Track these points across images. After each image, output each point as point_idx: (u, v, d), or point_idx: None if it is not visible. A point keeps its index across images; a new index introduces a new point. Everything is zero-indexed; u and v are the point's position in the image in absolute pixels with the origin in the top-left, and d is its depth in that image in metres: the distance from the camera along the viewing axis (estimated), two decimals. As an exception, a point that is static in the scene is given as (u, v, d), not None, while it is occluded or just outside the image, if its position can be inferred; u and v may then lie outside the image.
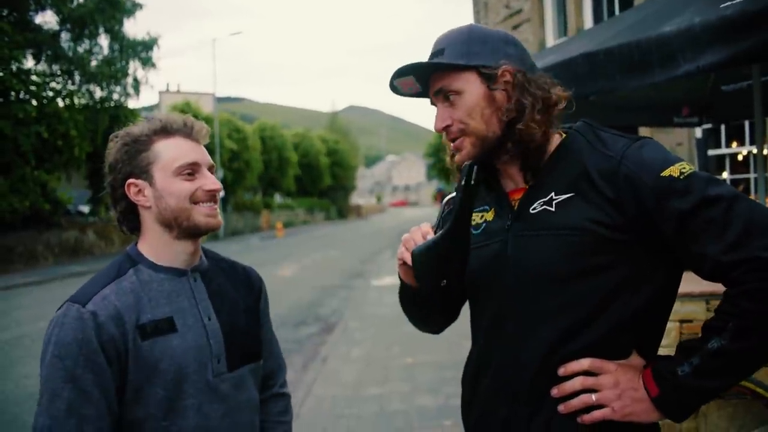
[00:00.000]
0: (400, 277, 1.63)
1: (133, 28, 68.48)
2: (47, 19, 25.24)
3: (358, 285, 13.58)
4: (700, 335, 1.36)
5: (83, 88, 22.04)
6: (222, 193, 1.61)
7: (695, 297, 3.30)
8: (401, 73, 1.52)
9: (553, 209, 1.43)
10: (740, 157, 8.79)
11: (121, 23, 22.82)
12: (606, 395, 1.36)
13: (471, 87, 1.46)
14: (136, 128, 1.58)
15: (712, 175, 1.38)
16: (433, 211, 52.91)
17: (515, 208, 1.50)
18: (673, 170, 1.34)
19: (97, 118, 21.84)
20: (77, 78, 21.74)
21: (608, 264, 1.37)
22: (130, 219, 1.60)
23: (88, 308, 1.44)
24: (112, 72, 22.45)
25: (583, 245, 1.37)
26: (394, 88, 1.58)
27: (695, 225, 1.31)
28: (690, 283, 2.01)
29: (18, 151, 18.07)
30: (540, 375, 1.40)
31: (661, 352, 1.48)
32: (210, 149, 1.63)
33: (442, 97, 1.50)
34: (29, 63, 20.30)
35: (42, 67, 21.06)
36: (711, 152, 8.99)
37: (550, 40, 11.95)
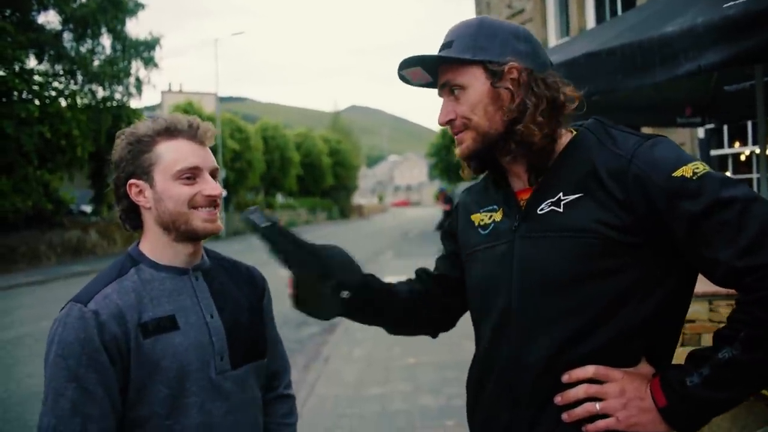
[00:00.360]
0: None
1: (136, 28, 68.73)
2: (50, 19, 25.34)
3: (360, 285, 13.50)
4: (711, 343, 1.30)
5: (86, 88, 22.04)
6: (224, 194, 1.59)
7: (698, 297, 3.30)
8: (408, 63, 1.49)
9: (561, 210, 1.38)
10: (743, 158, 8.77)
11: (123, 23, 22.83)
12: (611, 404, 1.31)
13: (476, 82, 1.44)
14: (142, 127, 1.57)
15: (727, 176, 1.32)
16: (434, 212, 52.86)
17: (523, 208, 1.46)
18: (686, 170, 1.28)
19: (100, 117, 21.84)
20: (80, 78, 21.76)
21: (617, 267, 1.32)
22: (132, 217, 1.60)
23: (90, 307, 1.45)
24: (115, 72, 22.46)
25: (592, 248, 1.32)
26: (404, 78, 1.55)
27: (708, 228, 1.25)
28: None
29: (21, 151, 18.08)
30: (542, 379, 1.36)
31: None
32: (212, 149, 1.62)
33: (448, 90, 1.48)
34: (32, 63, 20.32)
35: (44, 67, 21.08)
36: (713, 152, 8.97)
37: (553, 40, 11.95)
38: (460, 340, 7.20)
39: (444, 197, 32.81)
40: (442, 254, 1.80)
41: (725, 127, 8.70)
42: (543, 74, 1.45)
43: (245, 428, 1.60)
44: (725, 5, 2.65)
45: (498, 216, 1.53)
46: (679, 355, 1.42)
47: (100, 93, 22.50)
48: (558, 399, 1.35)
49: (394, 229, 36.92)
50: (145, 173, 1.53)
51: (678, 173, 1.29)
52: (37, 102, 18.93)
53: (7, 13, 19.66)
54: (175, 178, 1.51)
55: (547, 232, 1.39)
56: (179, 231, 1.53)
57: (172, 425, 1.48)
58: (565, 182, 1.41)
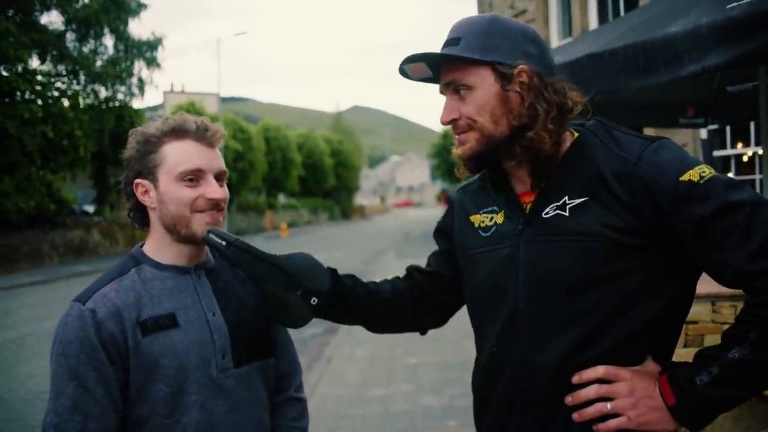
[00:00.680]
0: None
1: (138, 28, 68.81)
2: (52, 19, 25.40)
3: (362, 285, 13.50)
4: (719, 342, 1.32)
5: (88, 88, 22.11)
6: (228, 197, 1.59)
7: (701, 298, 3.30)
8: (413, 59, 1.46)
9: (566, 214, 1.38)
10: (745, 158, 8.76)
11: (126, 23, 22.87)
12: (621, 404, 1.32)
13: (484, 83, 1.41)
14: (151, 127, 1.56)
15: (733, 179, 1.33)
16: (436, 212, 52.88)
17: (527, 211, 1.45)
18: (693, 174, 1.29)
19: (102, 118, 21.90)
20: (82, 78, 21.82)
21: (624, 271, 1.32)
22: (140, 216, 1.61)
23: (88, 306, 1.45)
24: (117, 72, 22.51)
25: (598, 252, 1.33)
26: (404, 72, 1.52)
27: (716, 231, 1.26)
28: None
29: (23, 151, 18.12)
30: (554, 382, 1.36)
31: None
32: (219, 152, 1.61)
33: (453, 89, 1.45)
34: (34, 63, 20.40)
35: (47, 67, 21.15)
36: (716, 153, 8.96)
37: (555, 41, 11.94)
38: (462, 340, 7.20)
39: (446, 198, 32.81)
40: (435, 251, 1.80)
41: (728, 128, 8.68)
42: (551, 78, 1.43)
43: (248, 427, 1.59)
44: (728, 6, 2.64)
45: (499, 218, 1.51)
46: (682, 356, 1.43)
47: (103, 93, 22.58)
48: (569, 399, 1.36)
49: (396, 230, 36.93)
50: (151, 173, 1.53)
51: (685, 177, 1.29)
52: (39, 102, 18.96)
53: (10, 13, 19.70)
54: (178, 180, 1.51)
55: (554, 236, 1.39)
56: (180, 234, 1.53)
57: (173, 424, 1.48)
58: (569, 186, 1.40)
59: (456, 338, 7.22)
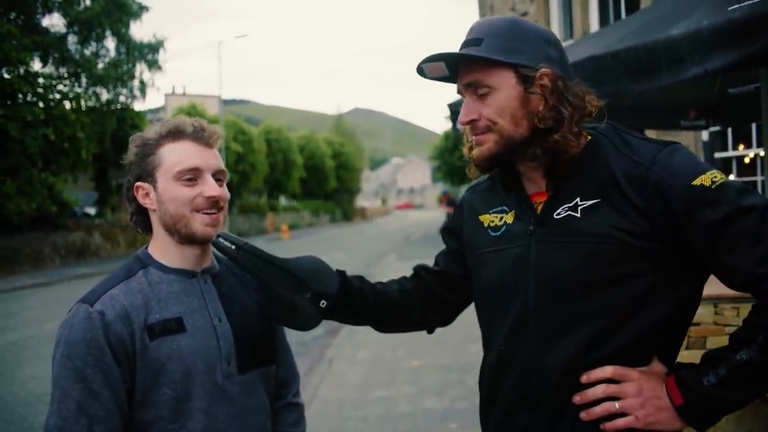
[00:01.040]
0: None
1: (140, 30, 68.84)
2: (54, 21, 25.45)
3: (363, 287, 13.48)
4: (726, 344, 1.34)
5: (90, 91, 22.13)
6: (228, 197, 1.60)
7: (703, 300, 3.27)
8: (434, 59, 1.46)
9: (578, 215, 1.40)
10: (747, 160, 8.76)
11: (127, 26, 22.90)
12: (629, 403, 1.34)
13: (505, 85, 1.41)
14: (150, 131, 1.58)
15: (744, 185, 1.35)
16: (438, 214, 52.86)
17: (538, 212, 1.46)
18: (705, 179, 1.31)
19: (104, 120, 21.94)
20: (84, 80, 21.83)
21: (634, 273, 1.34)
22: (142, 220, 1.61)
23: (96, 308, 1.45)
24: (119, 74, 22.53)
25: (609, 254, 1.34)
26: (421, 71, 1.52)
27: (727, 235, 1.28)
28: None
29: (25, 153, 18.15)
30: (563, 381, 1.38)
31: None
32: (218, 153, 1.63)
33: (473, 89, 1.45)
34: (36, 66, 20.40)
35: (49, 69, 21.17)
36: (718, 155, 8.96)
37: (556, 43, 11.93)
38: (465, 342, 7.20)
39: (447, 200, 32.81)
40: (443, 250, 1.81)
41: (729, 130, 8.69)
42: (572, 82, 1.45)
43: None
44: (730, 8, 2.64)
45: (509, 218, 1.53)
46: (684, 358, 1.45)
47: (105, 95, 22.60)
48: (577, 398, 1.37)
49: (397, 232, 36.93)
50: (150, 175, 1.54)
51: (697, 182, 1.31)
52: (41, 104, 19.00)
53: (12, 16, 19.73)
54: (176, 179, 1.51)
55: (565, 237, 1.40)
56: (180, 234, 1.53)
57: (177, 429, 1.47)
58: (582, 188, 1.42)
59: (458, 340, 7.22)
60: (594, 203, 1.39)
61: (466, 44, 1.45)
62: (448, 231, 1.79)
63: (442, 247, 1.84)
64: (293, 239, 31.36)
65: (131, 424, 1.48)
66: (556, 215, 1.43)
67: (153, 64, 24.31)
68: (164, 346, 1.47)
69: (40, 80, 19.55)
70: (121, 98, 23.37)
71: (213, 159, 1.56)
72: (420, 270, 1.81)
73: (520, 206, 1.51)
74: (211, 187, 1.52)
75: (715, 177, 1.32)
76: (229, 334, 1.55)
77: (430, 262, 1.86)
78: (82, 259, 21.51)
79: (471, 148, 1.52)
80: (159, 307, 1.50)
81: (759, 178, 8.16)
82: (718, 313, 3.31)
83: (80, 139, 19.85)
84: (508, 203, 1.55)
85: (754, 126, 8.12)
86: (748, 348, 1.28)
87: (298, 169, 43.96)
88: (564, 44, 1.59)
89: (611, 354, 1.36)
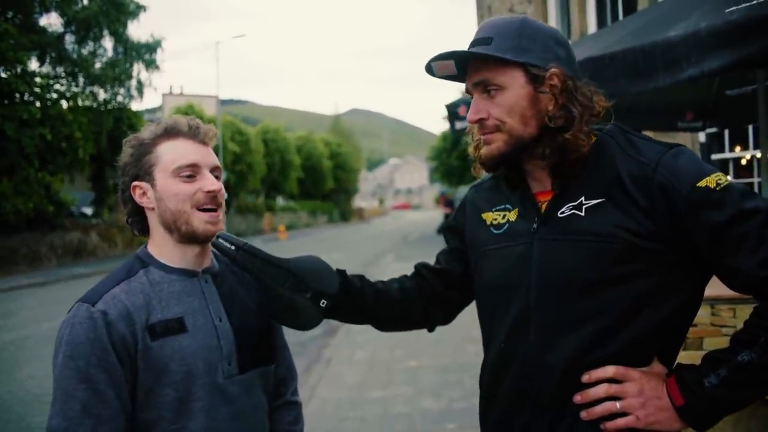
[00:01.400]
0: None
1: (137, 30, 68.76)
2: (52, 21, 25.31)
3: (360, 288, 13.46)
4: (727, 345, 1.35)
5: (87, 90, 22.09)
6: (225, 195, 1.61)
7: (700, 301, 3.30)
8: (444, 57, 1.47)
9: (582, 214, 1.40)
10: (744, 162, 8.78)
11: (125, 26, 22.86)
12: (630, 403, 1.35)
13: (515, 84, 1.42)
14: (145, 132, 1.59)
15: (747, 188, 1.36)
16: (435, 215, 52.85)
17: (542, 210, 1.47)
18: (709, 181, 1.32)
19: (101, 120, 21.89)
20: (81, 80, 21.79)
21: (637, 272, 1.35)
22: (138, 221, 1.61)
23: (98, 307, 1.45)
24: (116, 74, 22.49)
25: (613, 253, 1.35)
26: (429, 70, 1.53)
27: (730, 237, 1.29)
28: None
29: (22, 153, 18.11)
30: (565, 380, 1.38)
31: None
32: (214, 151, 1.63)
33: (482, 88, 1.45)
34: (34, 65, 20.38)
35: (46, 69, 21.14)
36: (714, 156, 8.97)
37: (554, 44, 11.94)
38: (463, 343, 7.21)
39: (445, 200, 32.82)
40: (445, 249, 1.82)
41: (726, 132, 8.70)
42: (580, 82, 1.46)
43: None
44: (727, 10, 2.65)
45: (512, 216, 1.53)
46: (681, 359, 1.46)
47: (102, 95, 22.56)
48: (578, 398, 1.38)
49: (395, 232, 36.93)
50: (147, 174, 1.54)
51: (702, 183, 1.33)
52: (38, 104, 18.97)
53: (10, 15, 19.71)
54: (175, 176, 1.52)
55: (568, 235, 1.41)
56: (180, 231, 1.53)
57: (179, 430, 1.47)
58: (587, 187, 1.43)
59: (456, 341, 7.23)
60: (598, 202, 1.40)
61: (476, 43, 1.46)
62: (450, 229, 1.79)
63: (440, 247, 1.85)
64: (290, 239, 31.33)
65: (134, 424, 1.47)
66: (561, 214, 1.43)
67: (150, 64, 24.28)
68: (166, 346, 1.47)
69: (37, 80, 19.53)
70: (119, 98, 23.32)
71: (209, 156, 1.58)
72: (421, 268, 1.81)
73: (524, 204, 1.52)
74: (210, 182, 1.53)
75: (720, 179, 1.33)
76: (230, 334, 1.55)
77: (427, 261, 1.86)
78: (79, 259, 21.47)
79: (477, 147, 1.53)
80: (160, 307, 1.50)
81: (755, 180, 8.18)
82: (715, 314, 3.31)
83: (77, 138, 19.81)
84: (511, 201, 1.55)
85: (750, 128, 8.14)
86: (749, 349, 1.29)
87: (296, 169, 43.93)
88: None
89: (613, 353, 1.36)
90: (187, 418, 1.48)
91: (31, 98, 19.00)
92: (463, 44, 1.57)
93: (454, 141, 26.81)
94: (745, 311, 1.37)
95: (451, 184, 33.58)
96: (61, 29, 21.58)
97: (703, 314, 3.30)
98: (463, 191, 25.39)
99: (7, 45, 17.70)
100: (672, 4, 3.65)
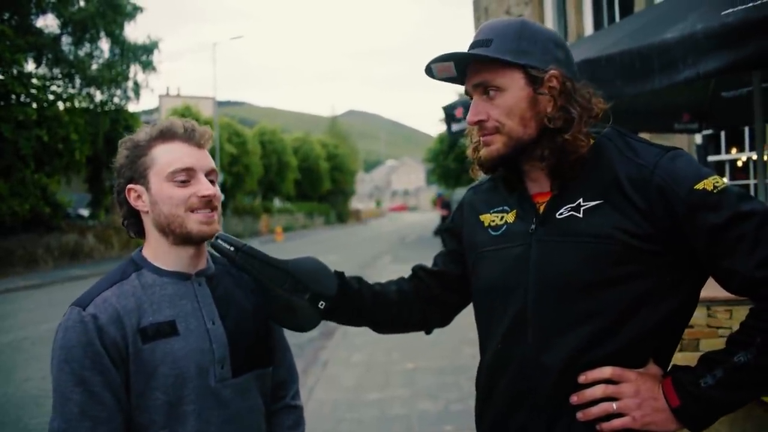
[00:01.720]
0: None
1: (134, 31, 68.66)
2: (48, 22, 25.30)
3: (357, 289, 13.46)
4: (723, 347, 1.35)
5: (84, 92, 22.04)
6: (221, 197, 1.60)
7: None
8: (444, 58, 1.48)
9: (580, 215, 1.41)
10: (740, 163, 8.80)
11: (121, 27, 22.82)
12: (627, 404, 1.35)
13: (515, 86, 1.43)
14: (140, 134, 1.58)
15: (744, 191, 1.38)
16: (432, 216, 52.86)
17: (540, 212, 1.47)
18: (707, 184, 1.33)
19: (98, 121, 21.86)
20: (78, 81, 21.74)
21: (634, 274, 1.36)
22: (134, 223, 1.60)
23: (89, 311, 1.45)
24: (113, 75, 22.45)
25: (610, 254, 1.36)
26: (429, 71, 1.53)
27: (727, 240, 1.30)
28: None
29: (18, 154, 18.07)
30: (562, 380, 1.39)
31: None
32: (210, 153, 1.62)
33: (482, 89, 1.46)
34: (30, 66, 20.31)
35: (43, 70, 21.08)
36: (711, 158, 9.00)
37: (551, 46, 11.96)
38: (460, 345, 7.21)
39: (442, 202, 32.80)
40: (442, 251, 1.82)
41: (722, 133, 8.73)
42: (579, 84, 1.47)
43: None
44: (723, 12, 2.66)
45: (510, 217, 1.54)
46: (678, 360, 1.46)
47: (98, 96, 22.51)
48: (574, 399, 1.38)
49: (392, 234, 36.92)
50: (142, 177, 1.53)
51: (699, 186, 1.34)
52: (35, 105, 18.93)
53: (6, 16, 19.67)
54: (169, 180, 1.51)
55: (566, 236, 1.41)
56: (175, 234, 1.53)
57: None
58: (585, 188, 1.43)
59: (453, 343, 7.23)
60: (597, 204, 1.41)
61: (476, 45, 1.46)
62: (447, 231, 1.80)
63: (437, 249, 1.85)
64: (287, 241, 31.32)
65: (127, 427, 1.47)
66: (559, 215, 1.44)
67: (147, 66, 24.24)
68: (157, 349, 1.46)
69: (34, 81, 19.48)
70: (115, 99, 23.27)
71: (205, 159, 1.56)
72: (419, 270, 1.82)
73: (522, 206, 1.52)
74: (205, 187, 1.52)
75: (717, 182, 1.34)
76: (223, 337, 1.55)
77: (425, 263, 1.86)
78: (75, 260, 21.42)
79: (476, 149, 1.54)
80: (152, 311, 1.49)
81: (752, 182, 8.20)
82: (711, 315, 3.32)
83: (74, 140, 19.77)
84: (509, 203, 1.56)
85: (746, 129, 8.17)
86: (745, 350, 1.30)
87: (293, 170, 43.90)
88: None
89: (610, 354, 1.37)
90: (179, 421, 1.47)
91: (28, 100, 18.95)
92: (459, 45, 1.58)
93: (451, 143, 26.78)
94: (741, 313, 1.38)
95: (448, 185, 33.58)
96: (57, 31, 21.53)
97: (699, 316, 3.31)
98: (460, 193, 25.38)
99: (3, 46, 17.66)
100: (668, 6, 3.66)
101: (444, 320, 1.84)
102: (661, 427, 1.36)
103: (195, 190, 1.52)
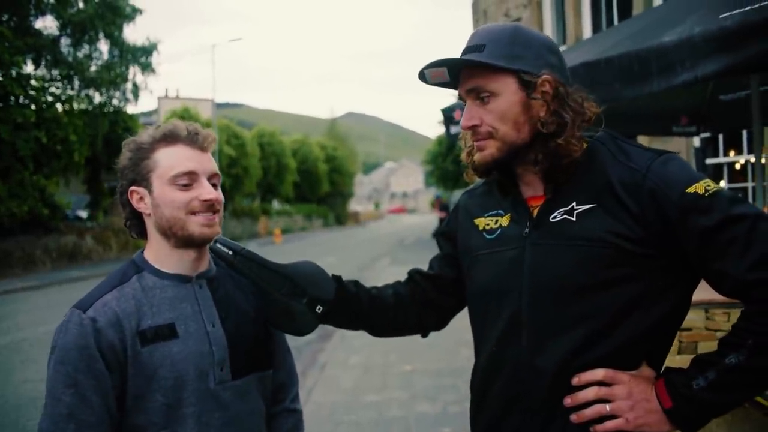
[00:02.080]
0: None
1: (133, 33, 68.66)
2: (47, 24, 25.30)
3: (356, 291, 13.46)
4: (715, 349, 1.36)
5: (82, 93, 22.03)
6: (222, 202, 1.60)
7: (694, 306, 3.28)
8: (437, 64, 1.48)
9: (574, 219, 1.42)
10: (738, 166, 8.82)
11: (120, 29, 22.81)
12: (619, 406, 1.36)
13: (507, 91, 1.44)
14: (144, 135, 1.57)
15: (735, 194, 1.39)
16: (431, 218, 52.88)
17: (534, 215, 1.48)
18: (699, 187, 1.34)
19: (97, 123, 21.85)
20: (77, 83, 21.73)
21: (627, 277, 1.37)
22: (136, 225, 1.60)
23: (89, 314, 1.45)
24: (112, 77, 22.45)
25: (603, 257, 1.37)
26: (422, 77, 1.54)
27: (718, 242, 1.31)
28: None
29: (17, 156, 18.06)
30: (555, 383, 1.39)
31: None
32: (212, 157, 1.62)
33: (475, 95, 1.47)
34: (29, 68, 20.31)
35: (41, 72, 21.07)
36: (709, 161, 9.02)
37: (549, 49, 11.97)
38: (457, 347, 7.21)
39: (440, 204, 32.83)
40: (438, 255, 1.83)
41: (720, 136, 8.75)
42: (572, 88, 1.48)
43: None
44: (721, 16, 2.67)
45: (504, 221, 1.55)
46: (676, 363, 1.47)
47: (97, 98, 22.49)
48: (568, 401, 1.39)
49: (391, 236, 36.92)
50: (145, 179, 1.54)
51: (691, 189, 1.34)
52: (33, 107, 18.90)
53: (5, 18, 19.66)
54: (171, 183, 1.51)
55: (560, 240, 1.42)
56: (177, 237, 1.53)
57: None
58: (578, 192, 1.44)
59: (451, 345, 7.23)
60: (590, 208, 1.41)
61: (469, 50, 1.47)
62: (443, 235, 1.80)
63: (436, 251, 1.86)
64: (286, 243, 31.30)
65: (123, 429, 1.48)
66: (552, 218, 1.45)
67: (146, 67, 24.24)
68: (156, 352, 1.47)
69: (33, 82, 19.46)
70: (114, 101, 23.27)
71: (208, 163, 1.57)
72: (415, 274, 1.82)
73: (516, 209, 1.53)
74: (207, 191, 1.52)
75: (709, 186, 1.35)
76: (223, 340, 1.55)
77: (423, 266, 1.87)
78: (73, 262, 21.40)
79: (470, 154, 1.55)
80: (151, 313, 1.50)
81: (750, 185, 8.21)
82: (709, 318, 3.32)
83: (72, 141, 19.76)
84: (503, 207, 1.57)
85: (745, 132, 8.18)
86: (737, 352, 1.30)
87: (291, 173, 43.91)
88: (557, 50, 1.63)
89: (603, 356, 1.38)
90: (178, 423, 1.48)
91: (26, 101, 18.93)
92: (458, 48, 1.58)
93: (449, 145, 26.81)
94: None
95: (446, 187, 33.59)
96: (56, 32, 21.51)
97: (697, 318, 3.31)
98: (458, 195, 25.37)
99: (2, 48, 17.65)
100: (667, 9, 3.67)
101: (440, 323, 1.84)
102: (654, 428, 1.36)
103: (197, 193, 1.52)
